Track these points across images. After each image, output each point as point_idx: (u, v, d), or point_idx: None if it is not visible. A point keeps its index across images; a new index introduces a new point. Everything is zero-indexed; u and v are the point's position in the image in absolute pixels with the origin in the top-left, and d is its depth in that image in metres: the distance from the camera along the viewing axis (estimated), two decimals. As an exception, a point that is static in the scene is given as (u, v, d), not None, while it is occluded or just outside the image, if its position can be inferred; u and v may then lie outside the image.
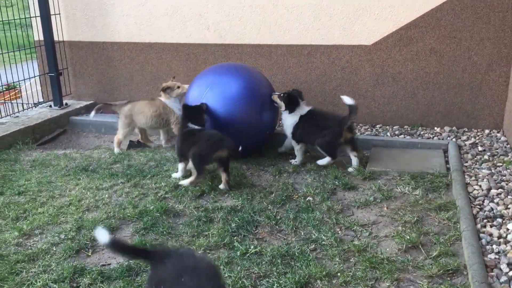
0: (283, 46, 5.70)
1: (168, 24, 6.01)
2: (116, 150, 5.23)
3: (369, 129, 5.51)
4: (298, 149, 4.79)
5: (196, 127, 4.45)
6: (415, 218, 3.61)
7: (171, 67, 6.14)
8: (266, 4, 5.60)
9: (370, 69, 5.48)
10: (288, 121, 4.76)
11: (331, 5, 5.39)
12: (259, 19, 5.67)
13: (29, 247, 3.37)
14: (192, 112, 4.50)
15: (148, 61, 6.23)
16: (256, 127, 4.82)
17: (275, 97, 4.80)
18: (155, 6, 5.99)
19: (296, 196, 4.10)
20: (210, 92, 4.64)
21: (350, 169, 4.58)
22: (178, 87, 5.15)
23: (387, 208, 3.84)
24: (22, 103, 6.41)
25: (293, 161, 4.82)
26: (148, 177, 4.50)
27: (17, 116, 5.98)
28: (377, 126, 5.59)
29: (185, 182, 4.32)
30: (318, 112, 4.75)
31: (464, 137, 5.16)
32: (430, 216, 3.67)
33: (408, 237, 3.34)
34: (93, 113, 5.30)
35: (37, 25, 6.23)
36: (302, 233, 3.50)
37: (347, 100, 4.50)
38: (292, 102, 4.70)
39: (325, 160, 4.61)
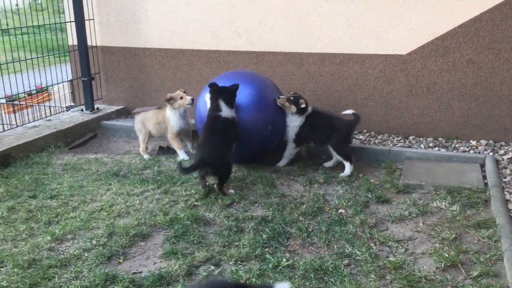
0: (315, 55, 5.64)
1: (200, 31, 6.02)
2: (145, 156, 5.26)
3: (401, 141, 5.38)
4: (292, 153, 4.94)
5: (226, 107, 4.42)
6: (453, 235, 3.49)
7: (202, 73, 6.15)
8: (299, 12, 5.55)
9: (404, 79, 5.36)
10: (294, 123, 4.85)
11: (365, 14, 5.30)
12: (291, 27, 5.63)
13: (61, 252, 3.39)
14: (225, 90, 4.45)
15: (179, 67, 6.25)
16: (265, 134, 4.79)
17: (283, 101, 4.82)
18: (187, 13, 6.01)
19: (328, 208, 4.02)
20: None
21: (326, 164, 4.88)
22: (181, 98, 5.07)
23: (423, 223, 3.72)
24: (50, 106, 6.51)
25: (326, 164, 4.93)
26: (178, 184, 4.49)
27: (50, 120, 6.06)
28: (410, 137, 5.45)
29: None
30: (320, 112, 4.96)
31: (502, 151, 4.99)
32: (469, 234, 3.53)
33: (446, 255, 3.22)
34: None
35: (71, 30, 6.32)
36: (335, 247, 3.42)
37: (349, 111, 4.87)
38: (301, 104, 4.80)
39: (347, 170, 4.70)
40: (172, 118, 5.16)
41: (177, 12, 6.06)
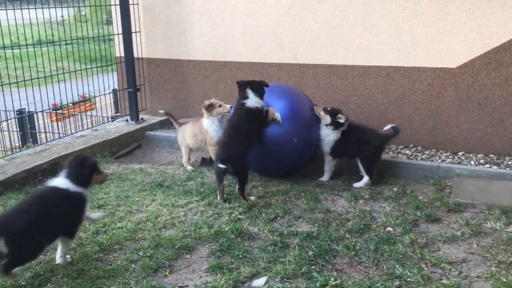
0: (360, 67, 5.55)
1: (244, 43, 6.05)
2: (188, 167, 5.29)
3: (450, 156, 5.20)
4: (332, 165, 4.90)
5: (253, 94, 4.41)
6: (511, 259, 3.32)
7: (245, 85, 6.15)
8: (344, 25, 5.48)
9: (454, 93, 5.20)
10: (329, 137, 4.78)
11: (414, 26, 5.18)
12: (336, 39, 5.56)
13: (109, 263, 3.42)
14: (255, 83, 4.48)
15: (222, 79, 6.29)
16: (300, 148, 4.72)
17: (319, 109, 4.77)
18: (232, 26, 6.05)
19: (375, 226, 3.91)
20: None
21: (355, 185, 4.73)
22: (220, 106, 5.04)
23: (476, 245, 3.56)
24: (93, 116, 6.66)
25: (356, 184, 4.77)
26: (222, 197, 4.48)
27: (96, 129, 6.21)
28: (459, 153, 5.26)
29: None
30: (357, 126, 4.90)
31: (559, 170, 4.75)
32: (528, 258, 3.36)
33: (504, 280, 3.07)
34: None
35: (118, 42, 6.48)
36: (385, 267, 3.31)
37: (388, 126, 4.78)
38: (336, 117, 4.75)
39: (362, 182, 4.71)
40: (210, 128, 5.09)
41: (222, 25, 6.11)
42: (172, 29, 6.41)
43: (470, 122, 5.21)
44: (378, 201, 4.39)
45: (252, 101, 4.43)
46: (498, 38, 4.89)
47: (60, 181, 3.27)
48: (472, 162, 5.02)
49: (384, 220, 3.98)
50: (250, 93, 4.44)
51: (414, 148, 5.45)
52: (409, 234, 3.71)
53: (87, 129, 6.28)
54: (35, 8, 5.66)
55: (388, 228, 3.85)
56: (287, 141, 4.60)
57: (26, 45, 6.31)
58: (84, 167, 3.33)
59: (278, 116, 4.55)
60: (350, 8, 5.41)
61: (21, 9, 5.42)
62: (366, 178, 4.71)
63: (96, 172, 3.41)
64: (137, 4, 6.43)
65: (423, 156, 5.22)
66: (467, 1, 4.93)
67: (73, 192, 3.25)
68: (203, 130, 5.15)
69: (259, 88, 4.47)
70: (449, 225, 3.89)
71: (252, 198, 4.38)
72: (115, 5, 6.30)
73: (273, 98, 4.67)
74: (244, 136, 4.38)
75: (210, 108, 5.05)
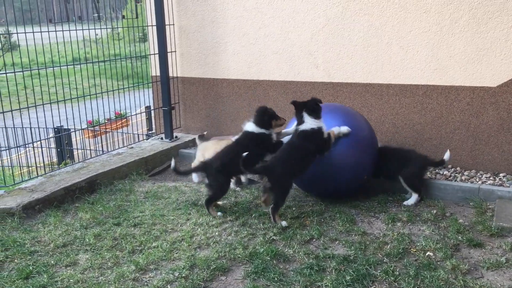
0: (396, 86, 5.48)
1: (277, 62, 6.07)
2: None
3: (491, 178, 5.03)
4: None
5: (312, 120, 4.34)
6: (561, 289, 3.16)
7: (278, 104, 6.16)
8: (379, 43, 5.44)
9: (494, 112, 5.05)
10: None
11: (452, 45, 5.09)
12: (371, 58, 5.52)
13: (145, 283, 3.43)
14: (309, 103, 4.40)
15: (255, 97, 6.32)
16: (355, 171, 4.67)
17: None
18: (265, 45, 6.09)
19: (414, 250, 3.80)
20: None
21: (406, 203, 4.69)
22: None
23: (523, 272, 3.41)
24: (127, 133, 6.77)
25: (407, 202, 4.73)
26: (256, 217, 4.46)
27: (132, 147, 6.31)
28: (501, 175, 5.09)
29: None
30: (390, 148, 5.04)
31: None
32: None
33: (555, 312, 2.91)
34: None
35: (155, 61, 6.61)
36: (426, 294, 3.20)
37: (447, 155, 4.79)
38: None
39: (412, 199, 4.69)
40: None
41: (255, 44, 6.15)
42: (207, 49, 6.49)
43: (511, 143, 5.03)
44: (417, 224, 4.27)
45: (308, 124, 4.34)
46: (541, 56, 4.75)
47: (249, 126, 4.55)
48: (515, 184, 4.84)
49: (423, 244, 3.86)
50: (305, 116, 4.36)
51: (453, 169, 5.30)
52: (451, 259, 3.58)
53: (123, 147, 6.39)
54: (75, 30, 5.84)
55: (428, 253, 3.73)
56: (341, 164, 4.57)
57: (62, 65, 6.53)
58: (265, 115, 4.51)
59: (343, 129, 4.52)
60: (386, 27, 5.36)
61: (61, 30, 5.61)
62: (415, 196, 4.70)
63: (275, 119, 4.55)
64: (173, 24, 6.56)
65: (463, 178, 5.07)
66: (507, 19, 4.81)
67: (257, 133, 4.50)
68: None
69: (313, 107, 4.38)
70: (492, 251, 3.74)
71: (283, 223, 4.26)
72: (152, 26, 6.45)
73: (329, 118, 4.61)
74: (298, 159, 4.33)
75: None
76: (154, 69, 6.74)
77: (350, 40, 5.59)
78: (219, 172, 4.48)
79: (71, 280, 3.47)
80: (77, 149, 8.44)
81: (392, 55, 5.41)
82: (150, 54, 6.72)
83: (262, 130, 4.52)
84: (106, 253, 3.84)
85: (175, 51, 6.65)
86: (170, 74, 6.54)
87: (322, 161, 4.45)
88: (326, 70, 5.82)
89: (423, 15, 5.16)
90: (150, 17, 6.55)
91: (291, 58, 5.99)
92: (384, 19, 5.36)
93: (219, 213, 4.51)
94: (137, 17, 6.65)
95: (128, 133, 6.93)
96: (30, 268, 3.63)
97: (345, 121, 4.64)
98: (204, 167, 4.67)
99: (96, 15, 6.32)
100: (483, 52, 4.99)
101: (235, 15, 6.20)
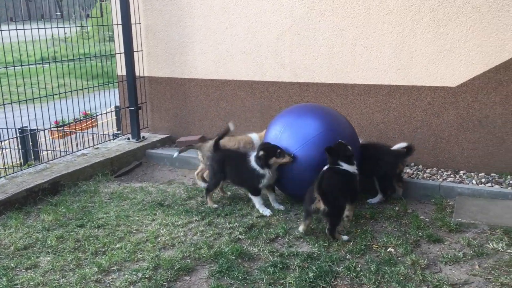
0: (360, 86, 5.58)
1: (245, 62, 6.09)
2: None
3: (451, 175, 5.18)
4: None
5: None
6: (513, 281, 3.28)
7: (245, 104, 6.19)
8: (344, 44, 5.52)
9: (454, 112, 5.20)
10: None
11: (413, 46, 5.22)
12: (336, 58, 5.60)
13: (108, 285, 3.39)
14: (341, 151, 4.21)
15: (223, 97, 6.32)
16: None
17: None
18: (233, 45, 6.10)
19: (376, 246, 3.88)
20: (287, 132, 4.57)
21: (370, 200, 4.76)
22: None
23: (479, 266, 3.53)
24: (94, 134, 6.68)
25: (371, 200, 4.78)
26: (222, 216, 4.47)
27: (97, 148, 6.22)
28: (461, 172, 5.25)
29: None
30: (371, 144, 4.98)
31: (561, 189, 4.72)
32: (531, 280, 3.32)
33: (507, 303, 3.03)
34: (176, 154, 5.27)
35: (120, 60, 6.53)
36: (386, 289, 3.28)
37: (401, 145, 4.81)
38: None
39: (376, 198, 4.76)
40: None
41: (223, 44, 6.16)
42: (174, 48, 6.46)
43: (471, 140, 5.20)
44: (379, 221, 4.36)
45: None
46: (497, 58, 4.91)
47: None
48: (474, 181, 5.00)
49: (385, 240, 3.94)
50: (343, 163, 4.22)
51: (415, 167, 5.43)
52: (411, 255, 3.68)
53: (89, 147, 6.29)
54: (43, 28, 5.72)
55: (389, 249, 3.82)
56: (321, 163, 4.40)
57: (30, 64, 6.38)
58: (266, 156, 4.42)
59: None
60: (350, 28, 5.45)
61: (30, 29, 5.48)
62: (380, 195, 4.77)
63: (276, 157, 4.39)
64: (139, 23, 6.49)
65: (425, 175, 5.21)
66: (466, 21, 4.97)
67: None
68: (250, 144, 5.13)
69: (349, 156, 4.23)
70: (451, 246, 3.86)
71: (345, 237, 4.03)
72: (117, 24, 6.37)
73: (308, 118, 4.61)
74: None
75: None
76: (120, 69, 6.66)
77: (316, 41, 5.66)
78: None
79: (31, 283, 3.40)
80: (41, 150, 8.25)
81: (357, 56, 5.50)
82: (115, 53, 6.63)
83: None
84: (68, 255, 3.78)
85: (141, 50, 6.59)
86: (137, 74, 6.47)
87: (305, 162, 4.42)
88: (293, 70, 5.87)
89: (385, 17, 5.28)
90: (116, 16, 6.47)
91: (259, 58, 6.02)
92: (349, 20, 5.45)
93: (215, 205, 4.65)
94: (102, 16, 6.55)
95: (93, 133, 6.81)
96: (-12, 272, 3.54)
97: (327, 121, 4.60)
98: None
99: (59, 13, 6.18)
100: (443, 53, 5.13)
101: (202, 14, 6.19)
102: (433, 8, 5.07)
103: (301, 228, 4.11)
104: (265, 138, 4.77)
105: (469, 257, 3.65)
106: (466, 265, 3.56)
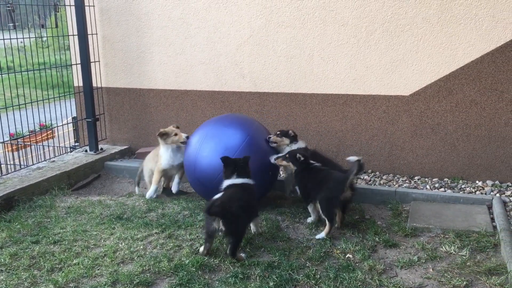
0: (318, 95, 5.69)
1: (204, 72, 6.10)
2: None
3: (407, 181, 5.35)
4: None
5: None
6: (464, 283, 3.41)
7: (206, 113, 6.18)
8: (302, 54, 5.63)
9: (408, 119, 5.38)
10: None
11: (368, 56, 5.38)
12: (295, 69, 5.70)
13: (64, 302, 3.31)
14: (238, 164, 4.22)
15: (183, 107, 6.30)
16: (261, 173, 4.63)
17: (279, 161, 4.61)
18: (192, 55, 6.10)
19: (337, 252, 3.95)
20: (208, 143, 4.65)
21: (309, 220, 4.53)
22: (175, 135, 4.96)
23: (432, 269, 3.65)
24: (53, 146, 6.51)
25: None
26: (183, 228, 4.43)
27: (54, 161, 6.06)
28: (416, 178, 5.43)
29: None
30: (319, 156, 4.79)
31: (509, 192, 4.94)
32: (480, 281, 3.46)
33: (458, 304, 3.15)
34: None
35: (77, 71, 6.40)
36: (344, 295, 3.34)
37: (353, 158, 4.19)
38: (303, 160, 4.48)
39: (323, 233, 4.21)
40: (164, 155, 5.04)
41: (182, 54, 6.15)
42: (132, 59, 6.40)
43: (424, 147, 5.39)
44: (338, 228, 4.44)
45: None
46: (447, 67, 5.13)
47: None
48: (428, 186, 5.18)
49: (344, 247, 4.02)
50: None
51: (372, 174, 5.58)
52: (368, 260, 3.77)
53: (44, 160, 6.12)
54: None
55: (348, 255, 3.89)
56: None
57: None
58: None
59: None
60: (307, 39, 5.57)
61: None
62: (327, 228, 4.23)
63: None
64: (96, 34, 6.40)
65: (381, 181, 5.35)
66: (417, 32, 5.17)
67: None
68: (158, 157, 5.14)
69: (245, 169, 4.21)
70: (406, 250, 3.97)
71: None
72: (73, 35, 6.25)
73: (229, 129, 4.71)
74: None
75: (164, 136, 5.00)
76: (77, 79, 6.53)
77: (275, 51, 5.75)
78: None
79: None
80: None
81: (314, 66, 5.61)
82: (72, 64, 6.50)
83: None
84: (22, 273, 3.65)
85: (98, 61, 6.49)
86: (94, 84, 6.37)
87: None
88: (253, 80, 5.92)
89: (341, 28, 5.42)
90: (72, 26, 6.36)
91: (218, 68, 6.04)
92: (306, 31, 5.56)
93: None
94: (56, 26, 6.41)
95: (50, 146, 6.62)
96: None
97: (244, 128, 4.73)
98: None
99: (11, 24, 6.01)
100: (396, 63, 5.31)
101: (161, 25, 6.16)
102: (386, 19, 5.25)
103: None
104: (189, 144, 4.83)
105: (424, 261, 3.77)
106: (420, 269, 3.68)
